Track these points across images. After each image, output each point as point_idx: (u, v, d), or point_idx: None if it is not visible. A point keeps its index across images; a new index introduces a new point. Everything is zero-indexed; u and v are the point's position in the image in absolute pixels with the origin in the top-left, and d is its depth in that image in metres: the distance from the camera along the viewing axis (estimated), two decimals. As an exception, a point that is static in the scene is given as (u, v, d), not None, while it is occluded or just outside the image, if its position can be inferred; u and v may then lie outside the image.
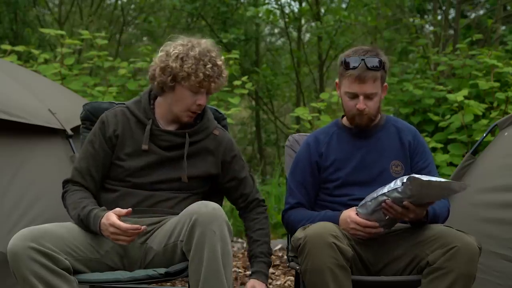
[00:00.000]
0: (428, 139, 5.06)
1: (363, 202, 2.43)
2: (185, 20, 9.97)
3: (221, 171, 2.63)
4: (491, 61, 5.36)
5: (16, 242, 2.20)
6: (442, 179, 2.26)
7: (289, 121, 10.85)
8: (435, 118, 5.34)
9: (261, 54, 10.49)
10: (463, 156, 4.19)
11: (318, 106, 5.46)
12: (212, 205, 2.30)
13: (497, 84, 5.25)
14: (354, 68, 2.51)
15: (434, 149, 5.01)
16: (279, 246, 4.74)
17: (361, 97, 2.53)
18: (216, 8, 8.87)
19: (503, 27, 8.32)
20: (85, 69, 6.47)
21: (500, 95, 5.11)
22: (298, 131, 5.65)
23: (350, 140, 2.67)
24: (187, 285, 2.35)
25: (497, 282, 2.73)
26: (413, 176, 2.23)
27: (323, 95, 5.57)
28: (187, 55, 2.48)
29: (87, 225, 2.38)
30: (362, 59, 2.51)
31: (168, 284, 3.75)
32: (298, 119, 7.87)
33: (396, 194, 2.31)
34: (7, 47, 5.55)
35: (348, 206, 2.52)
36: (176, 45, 2.53)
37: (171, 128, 2.58)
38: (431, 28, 8.33)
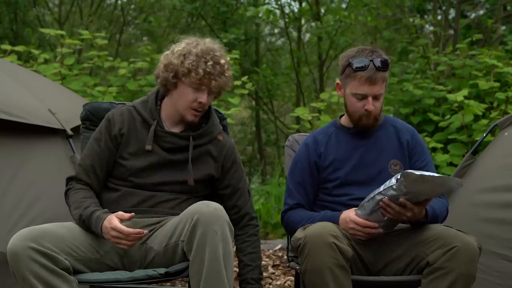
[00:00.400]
0: (428, 139, 5.06)
1: (361, 203, 2.43)
2: (185, 20, 9.98)
3: (220, 175, 2.62)
4: (491, 61, 5.36)
5: (16, 242, 2.19)
6: (436, 174, 2.25)
7: (289, 121, 10.87)
8: (435, 118, 5.34)
9: (261, 54, 10.50)
10: (463, 156, 4.19)
11: (318, 106, 5.46)
12: (213, 205, 2.30)
13: (497, 84, 5.25)
14: (364, 69, 2.50)
15: (434, 149, 5.01)
16: (279, 246, 4.73)
17: (369, 98, 2.53)
18: (216, 8, 8.88)
19: (503, 27, 8.33)
20: (85, 69, 6.48)
21: (500, 95, 5.11)
22: (298, 131, 5.66)
23: (349, 140, 2.67)
24: (187, 285, 2.35)
25: (497, 282, 2.73)
26: (406, 172, 2.23)
27: (323, 95, 5.57)
28: (189, 52, 2.49)
29: (89, 226, 2.38)
30: (371, 60, 2.50)
31: (168, 284, 3.75)
32: (298, 119, 7.88)
33: (391, 192, 2.31)
34: (7, 47, 5.55)
35: (347, 205, 2.52)
36: (181, 44, 2.54)
37: (176, 130, 2.58)
38: (431, 28, 8.34)
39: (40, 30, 7.77)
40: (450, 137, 5.17)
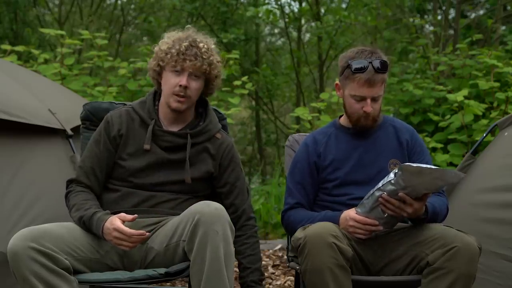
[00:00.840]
0: (428, 139, 5.06)
1: (361, 202, 2.43)
2: (185, 20, 9.97)
3: (218, 173, 2.62)
4: (491, 61, 5.36)
5: (16, 242, 2.19)
6: (434, 167, 2.25)
7: (289, 121, 10.87)
8: (435, 118, 5.34)
9: (261, 54, 10.50)
10: (463, 156, 4.19)
11: (318, 106, 5.47)
12: (214, 205, 2.30)
13: (497, 84, 5.25)
14: (363, 71, 2.50)
15: (434, 149, 5.02)
16: (279, 246, 4.73)
17: (368, 100, 2.53)
18: (216, 8, 8.88)
19: (503, 27, 8.33)
20: (85, 69, 6.48)
21: (500, 95, 5.11)
22: (298, 131, 5.66)
23: (348, 140, 2.67)
24: (187, 285, 2.35)
25: (497, 282, 2.73)
26: (404, 165, 2.23)
27: (323, 95, 5.57)
28: (170, 39, 2.53)
29: (89, 227, 2.38)
30: (370, 62, 2.50)
31: (168, 284, 3.75)
32: (298, 119, 7.88)
33: (390, 187, 2.31)
34: (7, 47, 5.55)
35: (347, 205, 2.52)
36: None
37: (174, 129, 2.58)
38: (431, 28, 8.34)
39: (40, 30, 7.77)
40: (450, 137, 5.17)
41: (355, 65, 2.51)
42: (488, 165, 3.08)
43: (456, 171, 2.44)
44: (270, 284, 3.88)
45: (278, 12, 9.37)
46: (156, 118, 2.56)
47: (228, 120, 3.22)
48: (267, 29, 11.09)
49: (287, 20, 9.54)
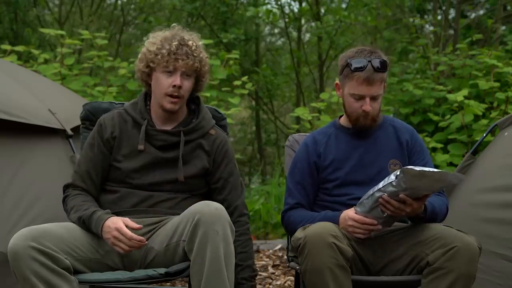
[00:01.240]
0: (428, 139, 5.06)
1: (360, 200, 2.43)
2: (185, 20, 9.97)
3: (212, 168, 2.60)
4: (491, 61, 5.36)
5: (17, 241, 2.19)
6: (436, 170, 2.26)
7: (289, 121, 10.87)
8: (435, 118, 5.34)
9: (261, 54, 10.50)
10: (463, 156, 4.19)
11: (318, 106, 5.47)
12: (214, 205, 2.30)
13: (497, 84, 5.25)
14: (362, 70, 2.50)
15: (434, 149, 5.02)
16: (279, 246, 4.73)
17: (367, 99, 2.53)
18: (216, 8, 8.88)
19: (503, 27, 8.33)
20: (85, 69, 6.48)
21: (500, 95, 5.11)
22: (298, 131, 5.66)
23: (348, 140, 2.67)
24: (187, 285, 2.35)
25: (497, 282, 2.73)
26: (406, 168, 2.23)
27: (323, 95, 5.58)
28: (157, 39, 2.51)
29: (89, 226, 2.38)
30: (369, 61, 2.51)
31: (168, 284, 3.75)
32: (298, 119, 7.88)
33: (391, 188, 2.31)
34: (7, 47, 5.55)
35: (347, 205, 2.52)
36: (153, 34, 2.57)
37: (167, 127, 2.58)
38: (431, 28, 8.34)
39: (40, 30, 7.77)
40: (450, 137, 5.17)
41: (355, 64, 2.52)
42: (488, 165, 3.08)
43: (457, 173, 2.44)
44: (270, 284, 3.88)
45: (278, 12, 9.37)
46: (149, 118, 2.56)
47: (228, 120, 3.22)
48: (267, 29, 11.10)
49: (287, 20, 9.55)
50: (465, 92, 4.98)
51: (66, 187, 2.56)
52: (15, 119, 2.92)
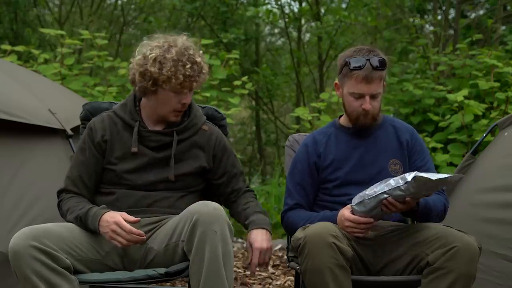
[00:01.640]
0: (428, 139, 5.06)
1: (360, 200, 2.42)
2: (185, 20, 9.97)
3: (212, 166, 2.62)
4: (491, 61, 5.36)
5: (17, 241, 2.20)
6: (441, 175, 2.27)
7: (289, 121, 10.86)
8: (435, 118, 5.34)
9: (261, 54, 10.49)
10: (463, 156, 4.19)
11: (318, 106, 5.47)
12: (213, 205, 2.30)
13: (497, 84, 5.25)
14: (360, 68, 2.51)
15: (434, 149, 5.02)
16: (279, 246, 4.73)
17: (367, 97, 2.54)
18: (216, 8, 8.88)
19: (503, 27, 8.32)
20: (85, 69, 6.47)
21: (500, 95, 5.11)
22: (298, 131, 5.66)
23: (348, 140, 2.67)
24: (187, 285, 2.35)
25: (497, 282, 2.74)
26: (418, 176, 2.24)
27: (323, 95, 5.57)
28: (164, 58, 2.44)
29: (85, 222, 2.38)
30: (367, 59, 2.51)
31: (168, 284, 3.75)
32: (298, 119, 7.88)
33: (398, 192, 2.31)
34: (7, 47, 5.55)
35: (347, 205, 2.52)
36: (152, 48, 2.48)
37: (159, 127, 2.58)
38: (431, 28, 8.34)
39: (40, 30, 7.77)
40: (450, 137, 5.17)
41: (353, 62, 2.52)
42: (488, 165, 3.08)
43: (457, 174, 2.46)
44: (270, 284, 3.88)
45: (278, 12, 9.37)
46: (140, 119, 2.56)
47: (228, 120, 3.22)
48: (267, 29, 11.09)
49: (287, 20, 9.54)
50: (465, 92, 4.98)
51: (59, 193, 2.56)
52: (15, 119, 2.92)
